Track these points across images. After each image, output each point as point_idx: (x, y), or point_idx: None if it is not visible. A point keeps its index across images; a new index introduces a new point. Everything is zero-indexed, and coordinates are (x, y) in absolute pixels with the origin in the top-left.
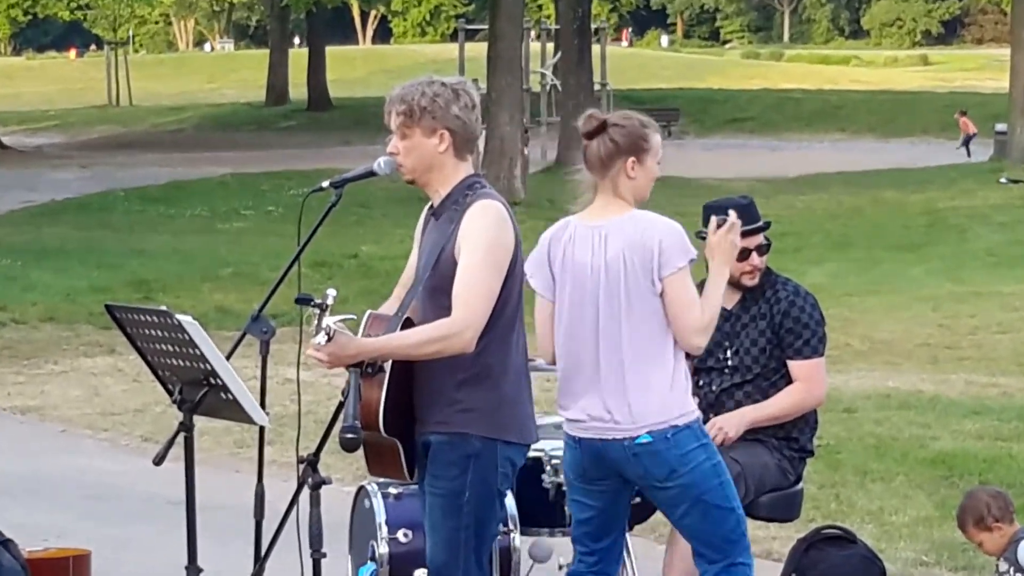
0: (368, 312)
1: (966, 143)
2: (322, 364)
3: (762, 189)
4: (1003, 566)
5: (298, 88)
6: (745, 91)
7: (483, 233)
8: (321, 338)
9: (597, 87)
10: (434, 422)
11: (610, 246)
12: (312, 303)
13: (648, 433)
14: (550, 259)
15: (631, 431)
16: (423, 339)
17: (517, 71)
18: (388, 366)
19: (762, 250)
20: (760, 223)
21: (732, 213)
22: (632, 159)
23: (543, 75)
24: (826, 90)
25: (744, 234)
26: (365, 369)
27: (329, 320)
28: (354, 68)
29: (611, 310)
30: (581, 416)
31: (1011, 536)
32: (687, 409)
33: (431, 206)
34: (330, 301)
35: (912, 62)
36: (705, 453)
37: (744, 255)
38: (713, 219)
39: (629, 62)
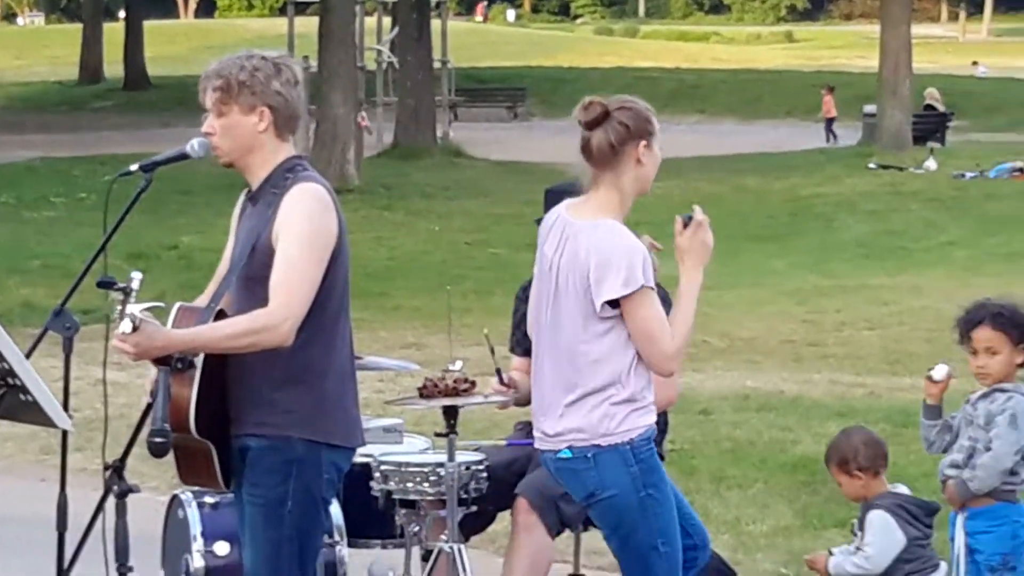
0: (178, 304)
1: (828, 126)
2: (127, 355)
3: None
4: (856, 528)
5: (114, 66)
6: (597, 70)
7: (304, 219)
8: (126, 326)
9: (437, 65)
10: (251, 423)
11: (567, 249)
12: (115, 287)
13: (568, 448)
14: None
15: (554, 444)
16: (237, 331)
17: (351, 48)
18: (199, 361)
19: None
20: None
21: (697, 209)
22: (643, 143)
23: (379, 52)
24: (684, 69)
25: None
26: (175, 364)
27: (134, 308)
28: (174, 44)
29: (556, 314)
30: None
31: (872, 492)
32: (622, 430)
33: (248, 190)
34: (135, 286)
35: (776, 39)
36: (634, 483)
37: None
38: (678, 219)
39: (473, 38)
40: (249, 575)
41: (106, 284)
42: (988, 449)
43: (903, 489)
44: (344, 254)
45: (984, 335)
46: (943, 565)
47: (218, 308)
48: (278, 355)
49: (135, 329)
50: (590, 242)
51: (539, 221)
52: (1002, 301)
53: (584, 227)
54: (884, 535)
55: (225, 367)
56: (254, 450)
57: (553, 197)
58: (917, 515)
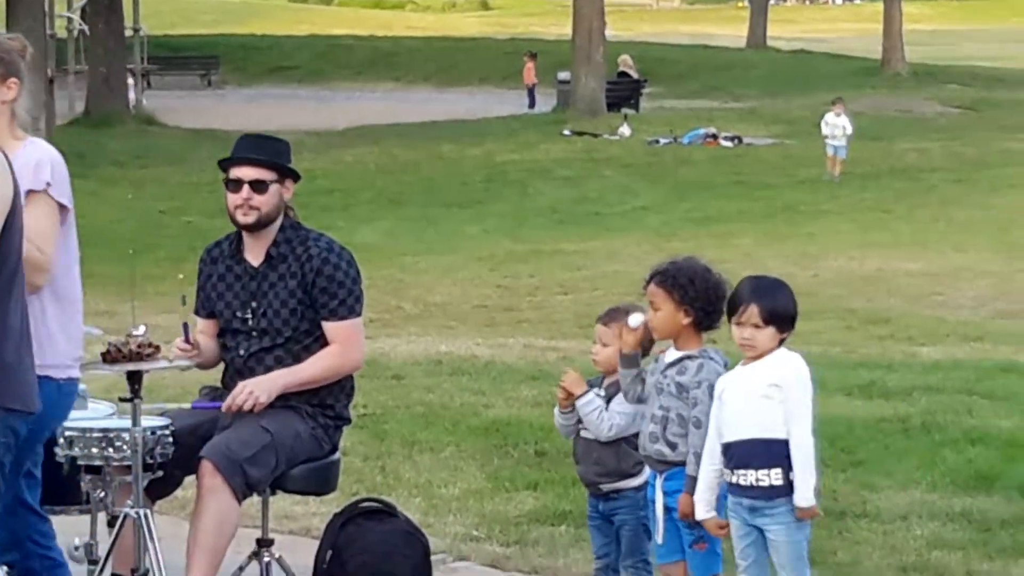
0: None
1: (531, 93)
2: None
3: (309, 142)
4: (601, 393)
5: None
6: (291, 37)
7: None
8: None
9: (129, 32)
10: None
11: None
12: None
13: None
14: None
15: None
16: None
17: (40, 15)
18: None
19: (258, 187)
20: (252, 155)
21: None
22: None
23: (69, 19)
24: (379, 36)
25: (235, 162)
26: None
27: None
28: None
29: None
30: None
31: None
32: None
33: None
34: None
35: (472, 7)
36: None
37: (237, 186)
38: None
39: (166, 5)
40: None
41: None
42: (697, 426)
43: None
44: (18, 220)
45: (650, 290)
46: None
47: None
48: None
49: None
50: None
51: (223, 161)
52: (675, 260)
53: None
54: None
55: None
56: None
57: (246, 141)
58: None
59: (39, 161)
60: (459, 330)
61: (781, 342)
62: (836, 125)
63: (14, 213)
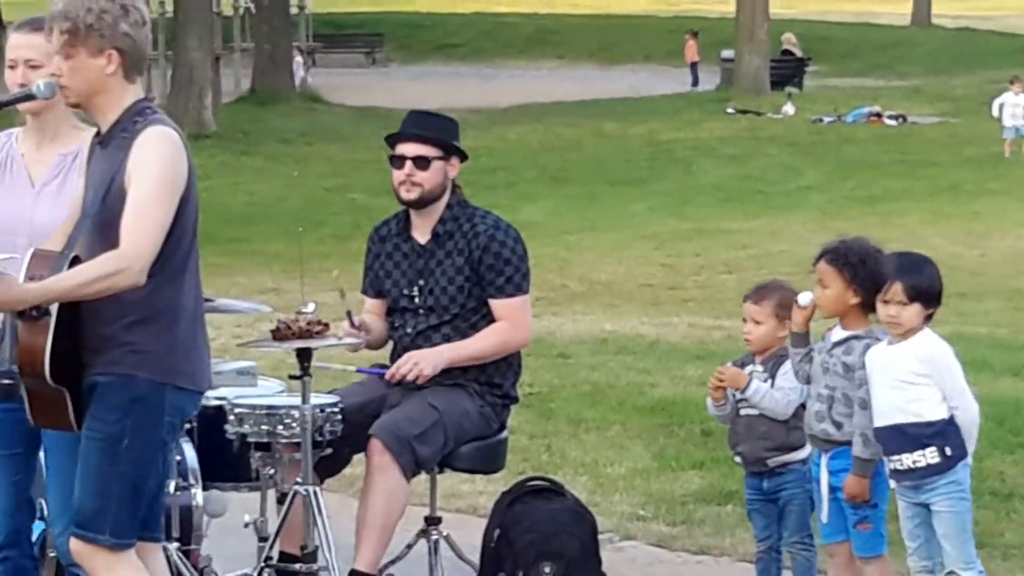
0: (32, 249)
1: (693, 70)
2: None
3: (473, 120)
4: (760, 368)
5: None
6: (456, 15)
7: (155, 163)
8: None
9: (295, 10)
10: (102, 363)
11: None
12: None
13: None
14: None
15: None
16: (90, 276)
17: None
18: (54, 309)
19: (421, 163)
20: (416, 131)
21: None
22: None
23: None
24: (542, 14)
25: (400, 138)
26: (30, 313)
27: None
28: None
29: None
30: None
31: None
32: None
33: (98, 133)
34: None
35: None
36: None
37: (400, 163)
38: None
39: None
40: (77, 508)
41: None
42: (863, 407)
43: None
44: (193, 200)
45: (819, 268)
46: None
47: (73, 254)
48: (131, 300)
49: None
50: None
51: (390, 137)
52: (845, 239)
53: None
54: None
55: (78, 312)
56: (100, 386)
57: (413, 118)
58: None
59: None
60: (624, 309)
61: (928, 319)
62: (1017, 104)
63: (189, 191)
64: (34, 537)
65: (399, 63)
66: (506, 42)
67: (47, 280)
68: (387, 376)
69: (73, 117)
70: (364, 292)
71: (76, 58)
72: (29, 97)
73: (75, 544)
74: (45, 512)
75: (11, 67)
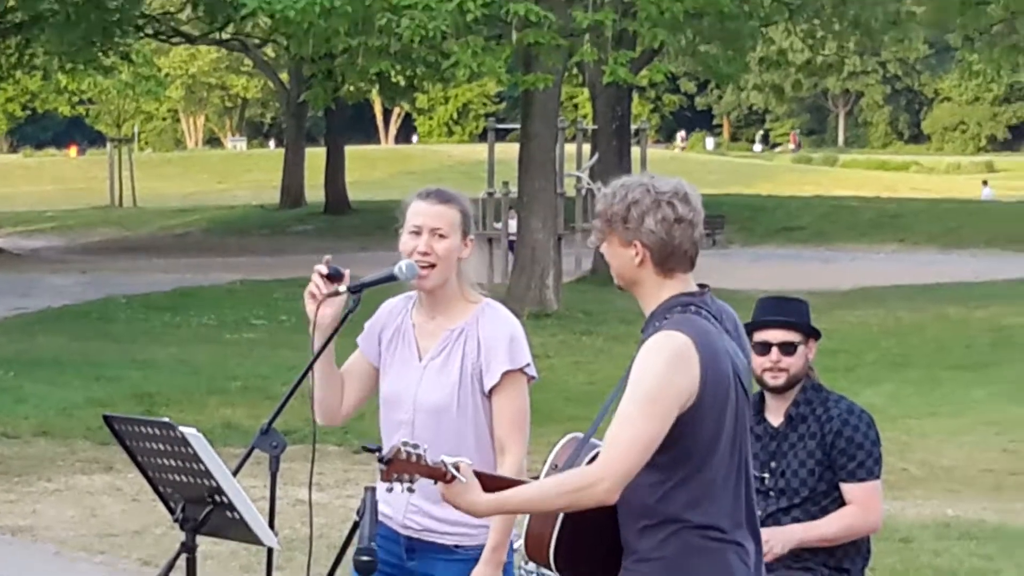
0: (569, 436)
1: None
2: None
3: (813, 303)
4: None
5: (315, 190)
6: (796, 198)
7: (648, 374)
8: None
9: None
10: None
11: None
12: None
13: None
14: None
15: None
16: (560, 491)
17: (550, 174)
18: None
19: (787, 349)
20: (780, 318)
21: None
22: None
23: (579, 178)
24: (883, 198)
25: (763, 325)
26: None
27: (446, 457)
28: (375, 169)
29: None
30: None
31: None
32: None
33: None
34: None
35: (977, 169)
36: None
37: (765, 349)
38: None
39: (671, 166)
40: None
41: (369, 450)
42: None
43: None
44: (712, 407)
45: None
46: None
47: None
48: (644, 505)
49: (454, 477)
50: None
51: (748, 325)
52: None
53: None
54: None
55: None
56: None
57: (769, 303)
58: None
59: (513, 335)
60: (965, 494)
61: None
62: None
63: (700, 403)
64: None
65: (740, 244)
66: (847, 225)
67: (507, 492)
68: None
69: (470, 290)
70: None
71: (610, 244)
72: (391, 279)
73: None
74: None
75: (415, 232)
